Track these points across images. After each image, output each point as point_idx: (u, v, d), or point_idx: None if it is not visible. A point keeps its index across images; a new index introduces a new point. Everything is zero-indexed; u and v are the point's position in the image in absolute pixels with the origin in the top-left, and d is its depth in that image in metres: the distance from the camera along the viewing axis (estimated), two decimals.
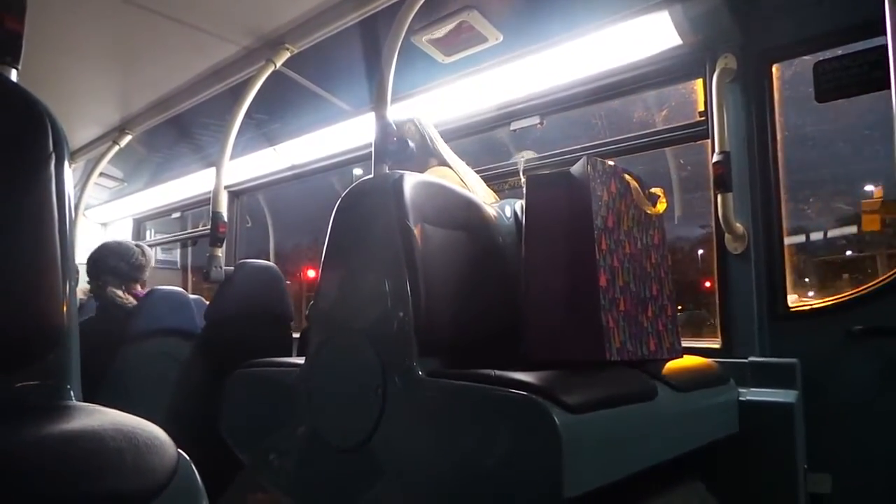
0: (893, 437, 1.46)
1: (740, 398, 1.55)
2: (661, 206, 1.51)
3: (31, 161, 0.78)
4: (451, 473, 1.12)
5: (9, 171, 0.76)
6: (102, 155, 3.14)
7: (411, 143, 1.80)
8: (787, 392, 1.53)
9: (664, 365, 1.37)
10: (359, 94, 2.51)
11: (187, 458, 0.59)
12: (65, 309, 0.76)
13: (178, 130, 3.14)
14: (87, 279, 2.50)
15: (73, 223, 0.84)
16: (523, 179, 1.41)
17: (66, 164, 0.82)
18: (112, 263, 2.43)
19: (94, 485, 0.49)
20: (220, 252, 2.17)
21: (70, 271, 0.80)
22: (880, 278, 1.53)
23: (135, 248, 2.54)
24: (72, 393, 0.77)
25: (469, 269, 1.43)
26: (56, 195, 0.79)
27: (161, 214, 4.28)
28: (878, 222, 2.47)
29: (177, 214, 4.15)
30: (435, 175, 1.72)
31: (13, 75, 0.89)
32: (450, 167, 1.82)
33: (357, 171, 3.25)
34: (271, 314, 2.17)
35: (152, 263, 2.63)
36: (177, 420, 1.88)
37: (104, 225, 4.57)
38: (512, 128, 2.31)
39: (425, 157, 1.84)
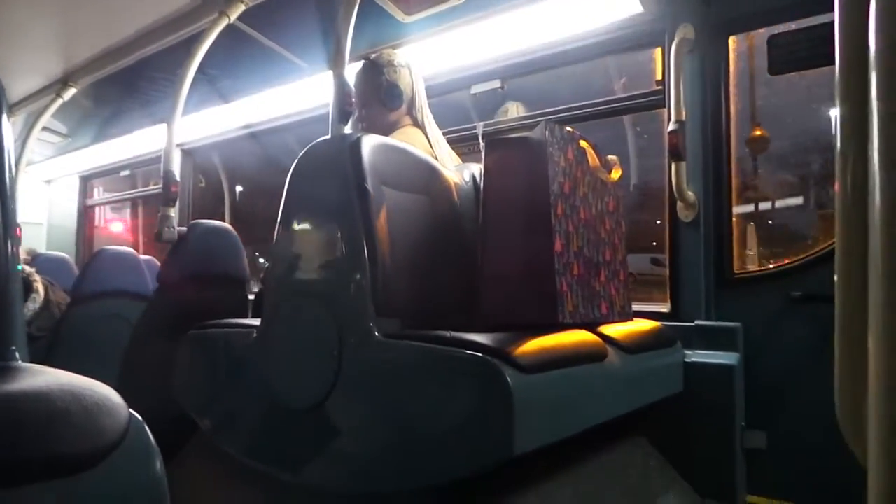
0: (824, 398, 1.54)
1: (685, 360, 1.62)
2: (616, 174, 1.53)
3: None
4: (406, 433, 1.13)
5: None
6: (45, 108, 2.99)
7: (403, 88, 1.76)
8: (730, 354, 1.61)
9: (615, 328, 1.41)
10: (315, 52, 2.44)
11: (139, 418, 0.59)
12: (7, 269, 0.73)
13: (126, 84, 3.00)
14: None
15: (14, 180, 0.80)
16: (482, 143, 1.40)
17: (5, 116, 0.78)
18: None
19: (39, 447, 0.48)
20: (173, 212, 2.11)
21: (11, 229, 0.77)
22: (819, 248, 1.61)
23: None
24: (17, 354, 0.74)
25: (427, 233, 1.44)
26: None
27: (109, 172, 4.13)
28: None
29: (126, 172, 4.00)
30: (404, 136, 1.69)
31: None
32: (423, 130, 1.79)
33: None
34: (226, 276, 2.13)
35: None
36: (129, 382, 1.87)
37: (48, 182, 4.39)
38: (472, 91, 2.30)
39: (405, 112, 1.81)
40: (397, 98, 1.77)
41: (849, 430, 0.55)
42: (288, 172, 1.41)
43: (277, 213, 1.41)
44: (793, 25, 1.66)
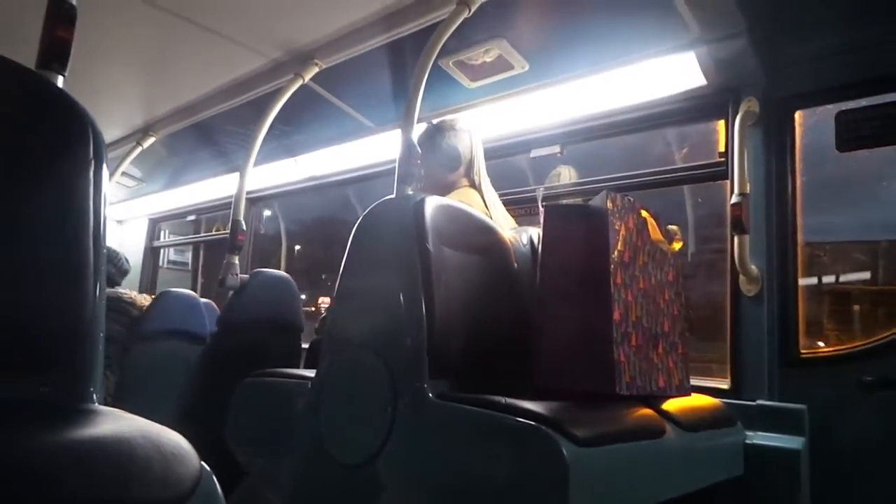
0: None
1: (746, 441, 1.54)
2: (678, 245, 1.52)
3: (73, 167, 0.80)
4: (456, 497, 1.12)
5: (51, 174, 0.78)
6: (126, 155, 3.19)
7: (461, 153, 1.82)
8: (794, 438, 1.53)
9: (673, 403, 1.37)
10: (381, 111, 2.54)
11: (208, 468, 0.60)
12: (93, 312, 0.78)
13: (199, 135, 3.18)
14: None
15: (106, 228, 0.86)
16: (541, 208, 1.42)
17: (105, 170, 0.85)
18: None
19: (122, 492, 0.50)
20: (237, 259, 2.19)
21: (100, 275, 0.81)
22: (893, 330, 1.53)
23: (120, 253, 2.67)
24: (94, 396, 0.78)
25: (484, 294, 1.45)
26: (93, 201, 0.81)
27: (176, 216, 4.33)
28: None
29: (192, 217, 4.19)
30: (461, 197, 1.74)
31: (60, 82, 0.92)
32: (479, 191, 1.83)
33: None
34: (282, 324, 2.19)
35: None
36: (183, 423, 1.90)
37: (120, 222, 4.62)
38: (532, 155, 2.34)
39: (464, 174, 1.86)
40: (455, 160, 1.83)
41: None
42: (340, 224, 1.45)
43: (328, 261, 1.45)
44: (863, 102, 1.65)
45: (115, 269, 2.65)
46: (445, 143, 1.84)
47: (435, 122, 1.91)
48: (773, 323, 1.67)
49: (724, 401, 1.58)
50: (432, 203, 1.37)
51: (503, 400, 1.09)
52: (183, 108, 2.87)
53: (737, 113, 1.74)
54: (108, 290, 2.55)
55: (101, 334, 0.82)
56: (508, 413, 1.06)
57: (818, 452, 1.54)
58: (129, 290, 2.71)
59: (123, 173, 3.56)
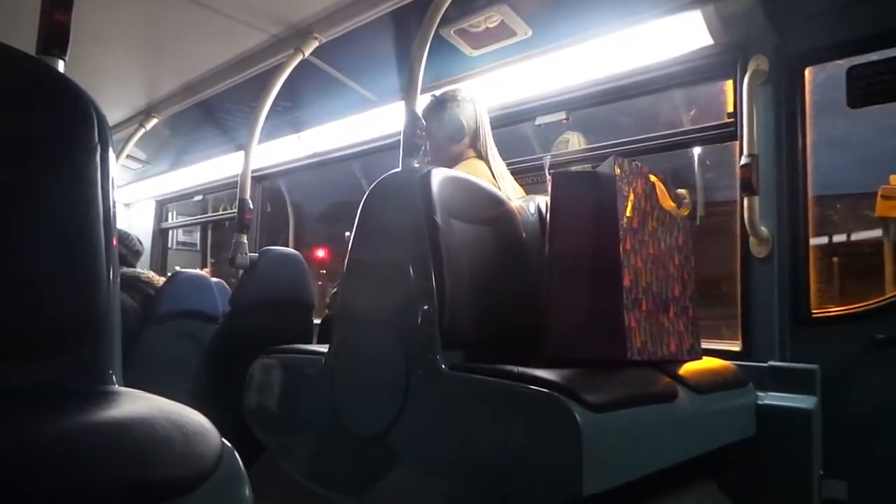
0: None
1: (758, 402, 1.55)
2: (687, 209, 1.51)
3: (79, 152, 0.80)
4: (471, 467, 1.13)
5: (58, 161, 0.78)
6: (129, 137, 3.18)
7: (465, 124, 1.81)
8: (806, 398, 1.53)
9: (684, 366, 1.37)
10: (383, 84, 2.52)
11: (230, 445, 0.61)
12: (109, 297, 0.78)
13: (202, 114, 3.16)
14: None
15: (116, 211, 0.86)
16: (549, 176, 1.41)
17: (111, 153, 0.85)
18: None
19: (147, 471, 0.51)
20: (245, 238, 2.20)
21: (113, 258, 0.82)
22: None
23: (132, 234, 2.69)
24: (114, 378, 0.79)
25: (493, 265, 1.45)
26: (101, 185, 0.81)
27: (183, 197, 4.34)
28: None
29: (199, 197, 4.20)
30: (468, 168, 1.73)
31: (60, 66, 0.91)
32: (486, 161, 1.82)
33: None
34: (293, 301, 2.20)
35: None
36: (199, 401, 1.93)
37: (127, 205, 4.64)
38: (537, 122, 2.31)
39: (469, 144, 1.85)
40: (459, 131, 1.82)
41: None
42: (348, 200, 1.45)
43: (337, 237, 1.45)
44: (874, 56, 1.61)
45: (128, 250, 2.67)
46: (448, 114, 1.82)
47: (437, 94, 1.89)
48: (784, 284, 1.66)
49: (736, 363, 1.58)
50: (439, 175, 1.37)
51: (515, 369, 1.10)
52: (184, 88, 2.85)
53: (745, 72, 1.71)
54: (127, 269, 2.58)
55: (118, 316, 0.83)
56: (521, 381, 1.07)
57: (830, 412, 1.54)
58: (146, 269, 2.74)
59: (128, 156, 3.57)
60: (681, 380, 1.30)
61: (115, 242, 0.83)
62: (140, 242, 2.81)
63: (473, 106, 1.87)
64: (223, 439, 0.61)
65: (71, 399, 0.67)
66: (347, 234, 1.50)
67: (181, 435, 0.56)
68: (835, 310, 1.64)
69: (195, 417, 0.60)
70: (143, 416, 0.57)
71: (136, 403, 0.64)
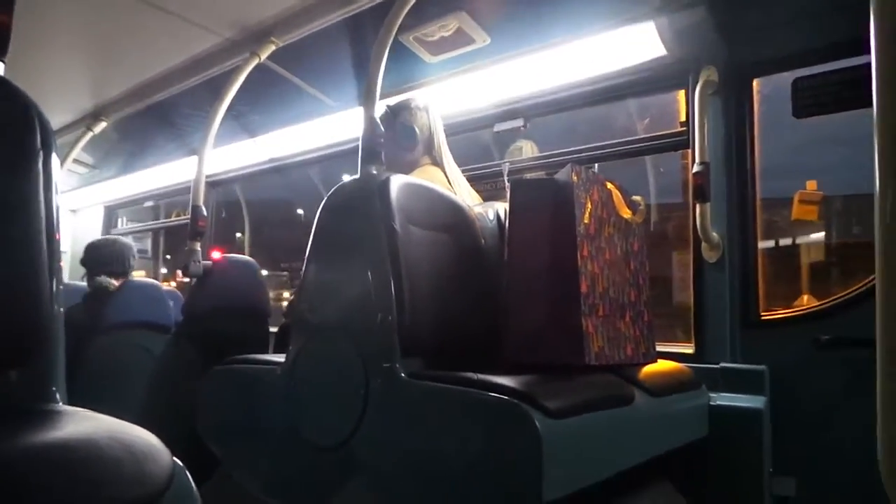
0: (855, 444, 1.51)
1: (711, 403, 1.60)
2: (642, 215, 1.54)
3: (19, 157, 0.76)
4: (431, 475, 1.13)
5: None
6: (76, 141, 3.07)
7: (418, 132, 1.80)
8: (756, 398, 1.59)
9: (640, 370, 1.40)
10: (342, 89, 2.49)
11: (181, 464, 0.59)
12: (52, 309, 0.75)
13: (154, 118, 3.07)
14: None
15: (59, 217, 0.82)
16: (507, 183, 1.42)
17: (54, 158, 0.81)
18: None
19: (94, 495, 0.49)
20: (199, 246, 2.14)
21: (56, 270, 0.78)
22: (847, 290, 1.59)
23: (132, 245, 2.63)
24: (57, 395, 0.76)
25: (452, 272, 1.44)
26: (44, 192, 0.78)
27: (134, 203, 4.20)
28: (815, 213, 2.56)
29: (150, 203, 4.08)
30: (424, 175, 1.72)
31: (0, 68, 0.87)
32: (441, 168, 1.82)
33: (346, 177, 3.28)
34: (249, 309, 2.15)
35: None
36: (151, 414, 1.87)
37: (74, 211, 4.47)
38: (495, 129, 2.33)
39: (424, 152, 1.84)
40: (412, 139, 1.82)
41: (891, 475, 0.55)
42: (302, 205, 1.43)
43: (293, 242, 1.43)
44: (818, 69, 1.68)
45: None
46: (400, 123, 1.82)
47: (390, 104, 1.89)
48: (735, 287, 1.72)
49: (689, 365, 1.62)
50: (397, 182, 1.36)
51: (475, 376, 1.10)
52: (134, 91, 2.76)
53: (696, 82, 1.76)
54: (95, 279, 2.50)
55: (62, 331, 0.79)
56: (481, 389, 1.07)
57: (779, 411, 1.60)
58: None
59: (75, 160, 3.43)
60: (637, 383, 1.32)
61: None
62: (134, 255, 2.73)
63: (426, 114, 1.87)
64: (174, 458, 0.59)
65: (10, 419, 0.63)
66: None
67: (129, 455, 0.54)
68: (781, 312, 1.70)
69: (144, 436, 0.58)
70: (89, 437, 0.55)
71: (81, 423, 0.61)
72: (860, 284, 1.57)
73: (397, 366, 1.20)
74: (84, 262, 2.61)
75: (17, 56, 0.94)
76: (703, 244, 1.75)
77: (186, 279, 2.19)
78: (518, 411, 1.00)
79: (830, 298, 1.62)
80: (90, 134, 3.02)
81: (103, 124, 3.01)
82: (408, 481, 1.16)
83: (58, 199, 0.81)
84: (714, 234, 1.72)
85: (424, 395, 1.15)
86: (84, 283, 2.90)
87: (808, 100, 1.66)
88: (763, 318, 1.70)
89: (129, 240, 2.82)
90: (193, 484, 0.58)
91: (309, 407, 1.34)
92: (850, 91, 1.61)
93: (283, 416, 1.38)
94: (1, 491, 0.45)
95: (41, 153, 0.78)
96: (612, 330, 1.36)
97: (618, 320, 1.40)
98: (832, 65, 1.64)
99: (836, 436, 1.56)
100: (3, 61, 0.88)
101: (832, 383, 1.57)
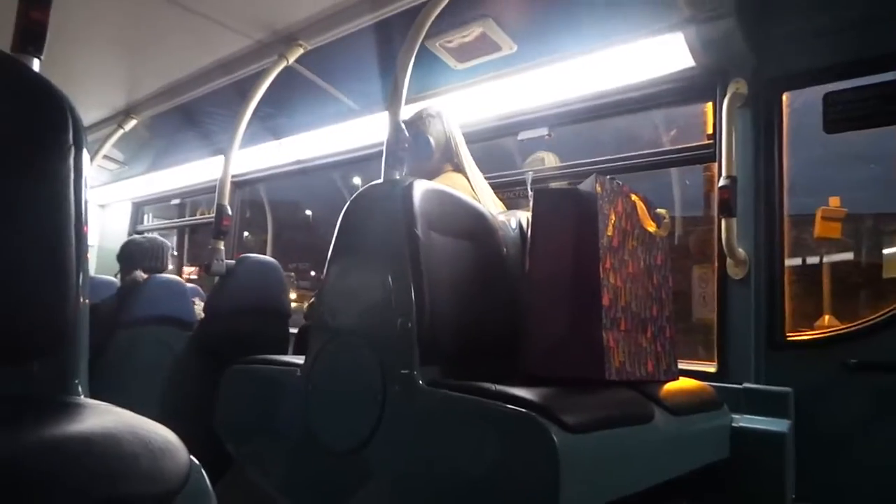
0: (881, 471, 1.47)
1: (733, 424, 1.56)
2: (666, 229, 1.52)
3: (52, 153, 0.78)
4: (446, 484, 1.12)
5: (30, 162, 0.76)
6: (107, 137, 3.13)
7: (432, 141, 1.80)
8: (780, 421, 1.55)
9: (661, 387, 1.37)
10: (368, 94, 2.51)
11: (198, 462, 0.59)
12: (77, 301, 0.76)
13: (182, 117, 3.13)
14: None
15: (88, 213, 0.83)
16: (531, 192, 1.41)
17: (85, 155, 0.82)
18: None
19: (111, 489, 0.49)
20: (222, 245, 2.16)
21: (84, 264, 0.79)
22: (878, 313, 1.55)
23: (166, 245, 2.68)
24: (79, 388, 0.76)
25: (473, 279, 1.44)
26: (74, 188, 0.79)
27: (161, 200, 4.27)
28: (838, 230, 2.52)
29: (176, 201, 4.14)
30: (447, 181, 1.72)
31: (36, 65, 0.89)
32: (464, 174, 1.81)
33: (356, 180, 3.30)
34: (270, 309, 2.17)
35: None
36: (169, 410, 1.89)
37: (102, 206, 4.55)
38: (519, 138, 2.32)
39: (444, 159, 1.84)
40: (427, 148, 1.81)
41: None
42: (326, 208, 1.44)
43: (315, 244, 1.44)
44: (849, 84, 1.64)
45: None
46: (413, 134, 1.81)
47: (404, 119, 1.90)
48: (760, 306, 1.68)
49: (711, 384, 1.59)
50: (421, 187, 1.36)
51: (493, 386, 1.09)
52: (165, 90, 2.81)
53: (725, 95, 1.74)
54: (129, 275, 2.56)
55: (86, 324, 0.81)
56: (498, 400, 1.06)
57: (803, 435, 1.56)
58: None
59: (105, 156, 3.50)
60: (658, 401, 1.30)
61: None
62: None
63: (440, 120, 1.86)
64: (191, 456, 0.59)
65: (33, 411, 0.64)
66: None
67: (147, 451, 0.54)
68: (808, 333, 1.67)
69: (162, 433, 0.58)
70: (108, 431, 0.55)
71: (102, 417, 0.61)
72: (891, 307, 1.53)
73: (415, 373, 1.19)
74: (120, 258, 2.65)
75: (53, 54, 0.96)
76: (728, 260, 1.72)
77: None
78: (536, 424, 0.99)
79: (859, 321, 1.58)
80: (121, 131, 3.08)
81: (134, 122, 3.07)
82: (421, 490, 1.15)
83: (87, 194, 0.82)
84: (740, 250, 1.69)
85: (442, 403, 1.14)
86: (115, 279, 2.96)
87: (839, 115, 1.63)
88: (789, 338, 1.66)
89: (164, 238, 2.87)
90: (209, 482, 0.59)
91: (326, 410, 1.34)
92: (883, 107, 1.57)
93: (299, 418, 1.38)
94: (17, 481, 0.45)
95: (73, 148, 0.79)
96: (633, 345, 1.34)
97: (639, 335, 1.38)
98: (864, 80, 1.60)
99: (863, 463, 1.51)
100: (39, 58, 0.89)
101: (860, 409, 1.52)
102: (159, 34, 2.31)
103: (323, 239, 1.46)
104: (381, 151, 1.55)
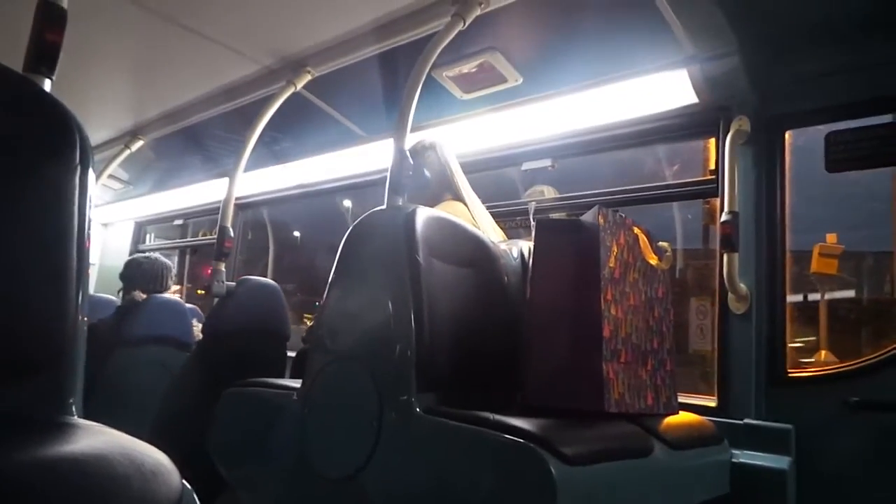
0: None
1: (733, 460, 1.54)
2: (668, 262, 1.52)
3: (59, 171, 0.78)
4: None
5: (36, 179, 0.76)
6: (113, 157, 3.15)
7: (427, 173, 1.81)
8: (781, 458, 1.53)
9: (660, 420, 1.36)
10: (373, 120, 2.53)
11: (189, 487, 0.59)
12: (76, 319, 0.75)
13: (188, 139, 3.15)
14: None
15: (90, 233, 0.84)
16: (533, 222, 1.41)
17: (91, 174, 0.83)
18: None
19: None
20: (224, 266, 2.16)
21: (85, 282, 0.79)
22: (879, 352, 1.54)
23: (168, 265, 2.68)
24: (73, 408, 0.76)
25: (473, 307, 1.44)
26: (78, 206, 0.79)
27: (163, 220, 4.28)
28: (834, 266, 2.53)
29: (179, 221, 4.15)
30: (448, 209, 1.73)
31: (47, 85, 0.90)
32: (464, 202, 1.82)
33: (346, 203, 3.32)
34: (269, 332, 2.16)
35: None
36: (163, 431, 1.87)
37: (105, 225, 4.56)
38: (523, 168, 2.34)
39: (441, 189, 1.85)
40: (421, 178, 1.82)
41: None
42: (327, 232, 1.44)
43: (316, 268, 1.44)
44: (852, 124, 1.66)
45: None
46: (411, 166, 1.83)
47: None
48: (762, 342, 1.67)
49: (711, 419, 1.57)
50: (423, 214, 1.36)
51: (491, 416, 1.08)
52: (172, 113, 2.84)
53: (727, 131, 1.75)
54: (128, 295, 2.55)
55: (84, 342, 0.80)
56: (496, 429, 1.05)
57: (804, 472, 1.54)
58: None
59: (110, 176, 3.52)
60: (657, 434, 1.29)
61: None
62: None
63: (434, 151, 1.88)
64: (183, 480, 0.58)
65: (24, 429, 0.63)
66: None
67: (139, 473, 0.53)
68: (810, 370, 1.66)
69: (154, 456, 0.58)
70: (100, 452, 0.55)
71: (94, 438, 0.61)
72: (892, 346, 1.52)
73: (413, 400, 1.19)
74: (122, 276, 2.65)
75: (64, 74, 0.98)
76: (730, 295, 1.72)
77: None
78: (534, 455, 0.98)
79: (861, 359, 1.57)
80: (127, 151, 3.10)
81: (140, 143, 3.09)
82: None
83: (91, 213, 0.82)
84: (742, 285, 1.69)
85: (439, 431, 1.13)
86: (116, 298, 2.95)
87: (842, 154, 1.64)
88: (790, 374, 1.65)
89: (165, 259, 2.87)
90: None
91: (321, 436, 1.33)
92: (885, 147, 1.59)
93: (294, 443, 1.37)
94: (6, 501, 0.45)
95: (79, 167, 0.80)
96: (633, 377, 1.34)
97: (639, 367, 1.37)
98: (867, 120, 1.62)
99: (864, 501, 1.49)
100: (51, 78, 0.91)
101: (862, 447, 1.50)
102: (170, 58, 2.34)
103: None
104: (383, 178, 1.56)
